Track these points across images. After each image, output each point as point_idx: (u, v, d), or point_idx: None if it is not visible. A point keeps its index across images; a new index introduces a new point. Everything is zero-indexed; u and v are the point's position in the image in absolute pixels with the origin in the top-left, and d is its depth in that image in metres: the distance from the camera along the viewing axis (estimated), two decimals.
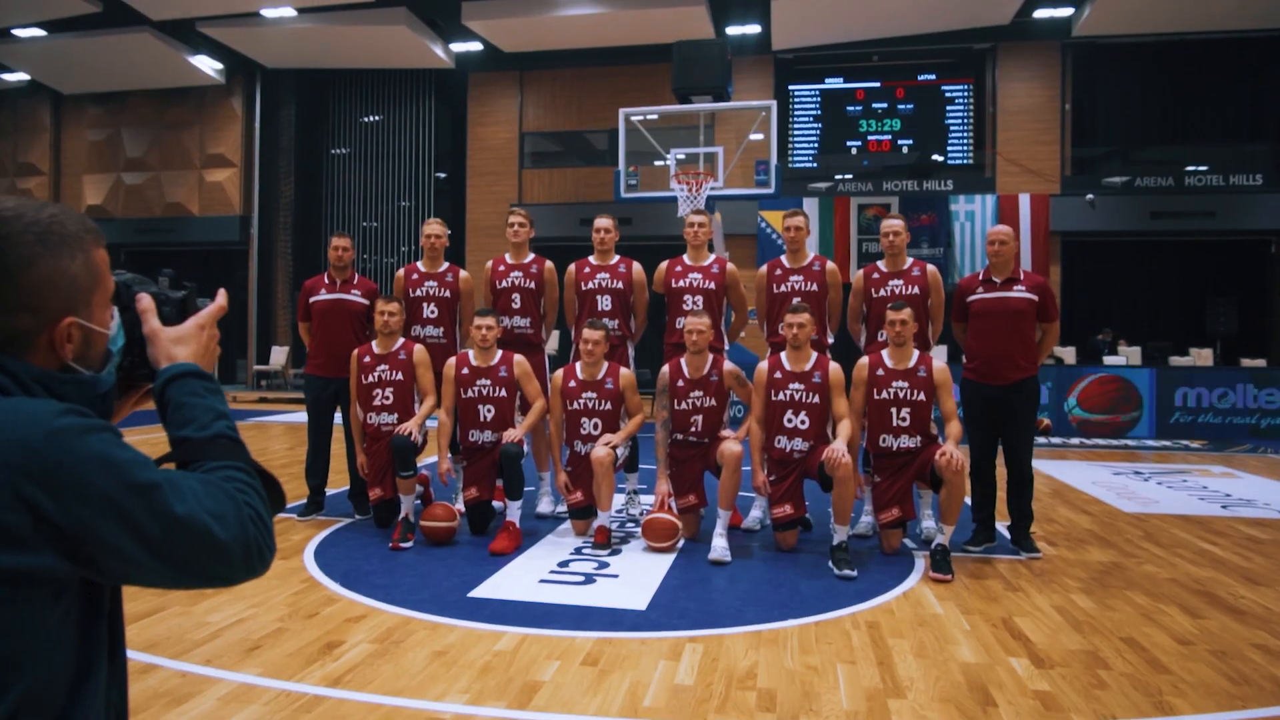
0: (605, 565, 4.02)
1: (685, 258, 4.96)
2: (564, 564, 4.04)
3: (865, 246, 13.65)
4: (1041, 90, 14.05)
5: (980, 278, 4.43)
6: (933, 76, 14.58)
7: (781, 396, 4.27)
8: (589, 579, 3.79)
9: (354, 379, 4.71)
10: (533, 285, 5.07)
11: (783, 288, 4.76)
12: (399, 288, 5.09)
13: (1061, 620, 3.27)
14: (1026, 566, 4.09)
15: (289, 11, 13.19)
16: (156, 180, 16.98)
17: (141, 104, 17.00)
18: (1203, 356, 11.31)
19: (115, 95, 17.01)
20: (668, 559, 4.14)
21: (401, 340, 4.72)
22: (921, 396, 4.18)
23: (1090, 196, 13.48)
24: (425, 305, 5.03)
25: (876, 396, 4.24)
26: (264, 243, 16.66)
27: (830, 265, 4.77)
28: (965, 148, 14.56)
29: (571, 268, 5.09)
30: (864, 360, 4.35)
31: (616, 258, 5.06)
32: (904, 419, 4.20)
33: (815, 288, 4.70)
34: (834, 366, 4.30)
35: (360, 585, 3.64)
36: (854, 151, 14.88)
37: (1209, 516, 5.33)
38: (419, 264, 5.13)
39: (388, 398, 4.64)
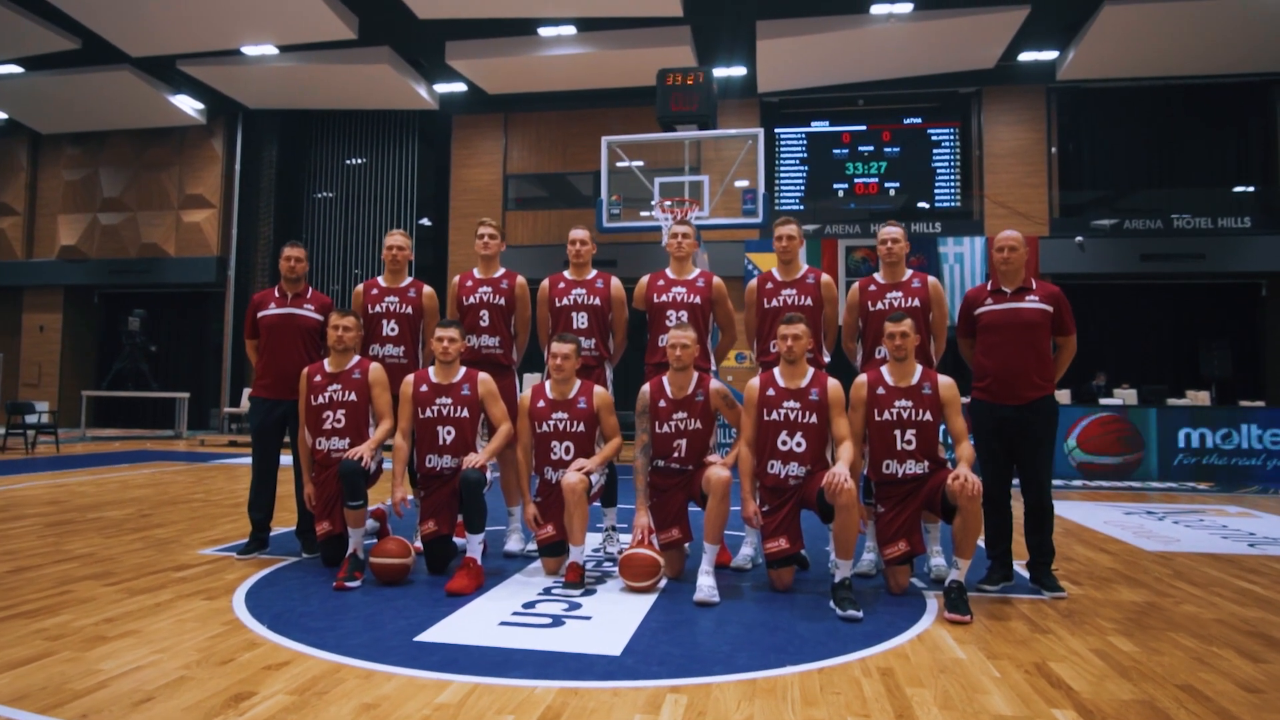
0: (577, 606, 3.54)
1: (668, 271, 4.59)
2: (530, 605, 3.55)
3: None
4: (1028, 133, 14.06)
5: (989, 288, 4.06)
6: (919, 120, 14.60)
7: (775, 416, 3.85)
8: (557, 621, 3.30)
9: (303, 400, 4.25)
10: (502, 302, 4.67)
11: (774, 302, 4.38)
12: (357, 303, 4.68)
13: (1104, 665, 2.81)
14: (1051, 606, 3.63)
15: (270, 50, 13.07)
16: (133, 220, 16.66)
17: (120, 144, 16.79)
18: (1199, 399, 11.02)
19: (94, 135, 16.81)
20: (648, 600, 3.65)
21: (356, 358, 4.29)
22: (928, 416, 3.77)
23: (1079, 239, 13.37)
24: (385, 322, 4.62)
25: (878, 418, 3.83)
26: (240, 285, 16.27)
27: (825, 278, 4.41)
28: (952, 190, 14.50)
29: (545, 282, 4.71)
30: (862, 378, 3.95)
31: (594, 272, 4.69)
32: (909, 442, 3.78)
33: (809, 302, 4.32)
34: (833, 383, 3.89)
35: (291, 628, 3.14)
36: (841, 194, 14.78)
37: (1239, 555, 4.91)
38: (379, 279, 4.73)
39: (339, 421, 4.18)
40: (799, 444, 3.81)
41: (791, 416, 3.83)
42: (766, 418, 3.87)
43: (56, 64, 13.75)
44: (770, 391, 3.89)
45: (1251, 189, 13.82)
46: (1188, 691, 2.57)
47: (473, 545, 3.87)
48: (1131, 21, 11.48)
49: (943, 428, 3.83)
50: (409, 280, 4.73)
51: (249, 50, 13.08)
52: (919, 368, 3.86)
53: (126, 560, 4.32)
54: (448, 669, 2.70)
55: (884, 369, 3.90)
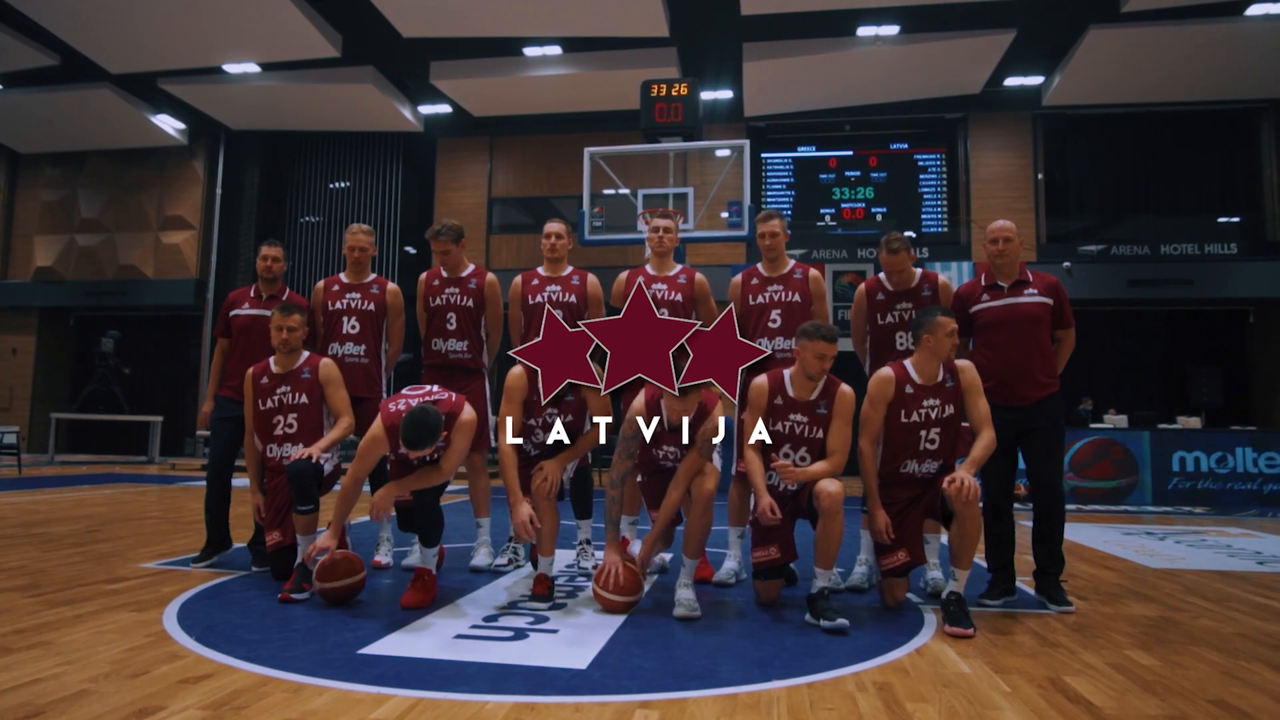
0: (543, 619, 3.23)
1: (648, 267, 4.36)
2: (491, 619, 3.23)
3: (841, 313, 13.24)
4: (1014, 159, 14.06)
5: (983, 283, 3.84)
6: (905, 145, 14.59)
7: (779, 428, 3.53)
8: (520, 634, 3.00)
9: (249, 404, 3.94)
10: (470, 303, 4.38)
11: (760, 298, 4.15)
12: (317, 300, 4.41)
13: (1125, 680, 2.53)
14: (1059, 620, 3.36)
15: (252, 68, 12.92)
16: (111, 242, 16.34)
17: (100, 164, 16.53)
18: (1190, 425, 10.84)
19: (74, 155, 16.55)
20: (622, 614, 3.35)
21: (305, 355, 3.99)
22: (951, 411, 3.48)
23: (1067, 265, 13.27)
24: (345, 320, 4.34)
25: (905, 419, 3.49)
26: (219, 308, 15.91)
27: (813, 273, 4.17)
28: (939, 216, 14.44)
29: (517, 279, 4.46)
30: (888, 373, 3.55)
31: (569, 268, 4.45)
32: (932, 441, 3.48)
33: (797, 298, 4.08)
34: (845, 391, 3.53)
35: (221, 640, 2.82)
36: (828, 219, 14.69)
37: (1250, 572, 4.65)
38: (341, 275, 4.47)
39: (290, 425, 3.87)
40: (803, 457, 3.52)
41: (797, 430, 3.52)
42: (770, 428, 3.56)
43: (35, 81, 13.55)
44: (778, 400, 3.56)
45: (1237, 219, 13.82)
46: (1222, 706, 2.29)
47: (426, 558, 3.55)
48: (1117, 46, 11.52)
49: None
50: (372, 276, 4.47)
51: (231, 68, 12.93)
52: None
53: (57, 573, 3.98)
54: (389, 683, 2.39)
55: (908, 364, 3.57)
